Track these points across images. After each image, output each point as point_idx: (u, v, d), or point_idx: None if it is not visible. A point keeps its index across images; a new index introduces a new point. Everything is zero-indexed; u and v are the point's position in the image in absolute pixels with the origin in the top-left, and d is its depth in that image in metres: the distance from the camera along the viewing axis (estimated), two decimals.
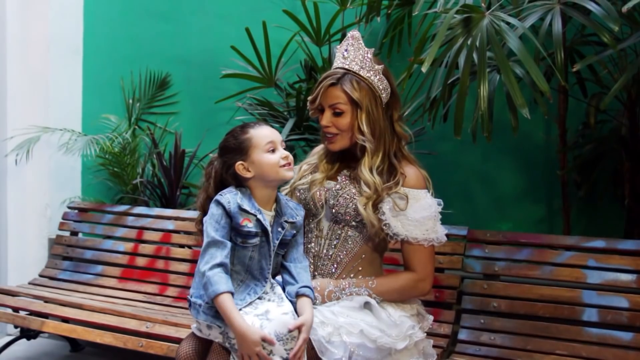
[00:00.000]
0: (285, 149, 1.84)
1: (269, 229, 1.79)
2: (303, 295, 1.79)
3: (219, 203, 1.77)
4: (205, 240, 1.75)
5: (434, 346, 2.07)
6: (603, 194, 2.72)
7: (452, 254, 2.51)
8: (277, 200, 1.86)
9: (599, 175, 2.70)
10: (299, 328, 1.69)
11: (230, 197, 1.78)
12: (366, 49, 1.93)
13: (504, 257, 2.45)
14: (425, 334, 1.98)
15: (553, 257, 2.36)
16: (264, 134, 1.80)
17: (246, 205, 1.77)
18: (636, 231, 2.49)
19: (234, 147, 1.81)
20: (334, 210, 1.93)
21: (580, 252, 2.34)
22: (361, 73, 1.90)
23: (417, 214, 1.89)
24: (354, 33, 1.94)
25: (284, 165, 1.80)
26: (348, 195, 1.92)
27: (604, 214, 2.76)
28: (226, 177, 1.84)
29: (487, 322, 2.38)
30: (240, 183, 1.83)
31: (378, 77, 1.92)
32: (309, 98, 1.97)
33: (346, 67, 1.91)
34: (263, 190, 1.82)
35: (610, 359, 2.17)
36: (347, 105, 1.90)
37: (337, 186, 1.95)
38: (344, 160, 2.01)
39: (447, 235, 2.48)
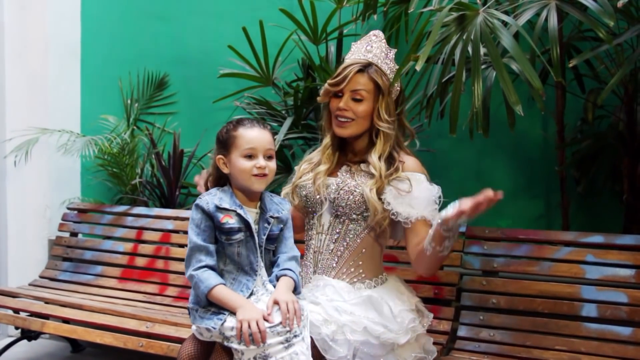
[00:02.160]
0: (269, 157, 1.84)
1: (251, 221, 1.82)
2: (282, 276, 1.83)
3: (197, 206, 1.81)
4: (189, 245, 1.80)
5: (433, 343, 2.08)
6: (601, 190, 2.72)
7: (451, 251, 2.50)
8: (261, 198, 1.89)
9: (597, 171, 2.70)
10: (275, 303, 1.72)
11: (208, 198, 1.82)
12: (389, 48, 2.05)
13: (503, 253, 2.45)
14: (426, 329, 1.99)
15: (552, 252, 2.36)
16: (248, 138, 1.82)
17: (225, 204, 1.81)
18: (635, 226, 2.49)
19: (221, 140, 1.86)
20: (335, 204, 1.97)
21: (578, 247, 2.34)
22: (383, 67, 2.00)
23: (422, 193, 1.94)
24: (377, 32, 2.07)
25: (255, 175, 1.82)
26: (348, 188, 1.96)
27: (602, 210, 2.76)
28: (214, 164, 1.90)
29: (486, 319, 2.38)
30: (225, 176, 1.89)
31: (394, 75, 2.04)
32: (330, 81, 2.01)
33: (369, 59, 2.00)
34: (241, 188, 1.87)
35: (609, 354, 2.17)
36: (369, 93, 1.98)
37: (338, 180, 2.00)
38: (343, 156, 2.07)
39: None
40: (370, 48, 2.02)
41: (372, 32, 2.06)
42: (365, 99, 1.98)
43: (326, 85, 2.02)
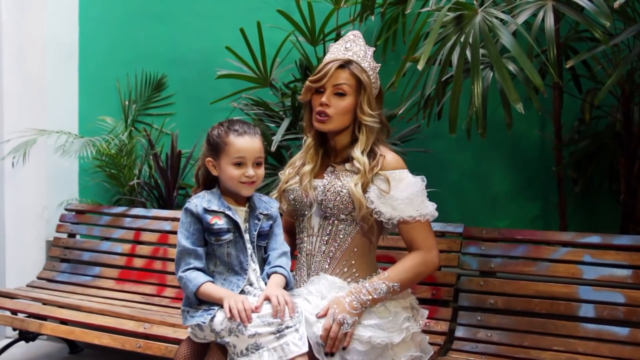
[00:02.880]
0: (258, 164, 1.86)
1: (240, 221, 1.84)
2: (273, 272, 1.85)
3: (186, 209, 1.84)
4: (177, 248, 1.82)
5: (431, 344, 2.08)
6: (599, 190, 2.72)
7: (449, 252, 2.51)
8: (249, 197, 1.92)
9: (594, 171, 2.70)
10: (267, 299, 1.73)
11: (197, 201, 1.85)
12: (368, 46, 2.03)
13: (500, 254, 2.45)
14: (421, 327, 1.99)
15: (549, 253, 2.37)
16: (238, 147, 1.83)
17: (214, 206, 1.83)
18: (632, 226, 2.50)
19: (212, 143, 1.87)
20: (323, 206, 1.97)
21: (576, 248, 2.34)
22: (363, 64, 1.99)
23: (403, 192, 1.93)
24: (355, 32, 2.04)
25: (244, 182, 1.84)
26: (335, 189, 1.96)
27: (599, 210, 2.76)
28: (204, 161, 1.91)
29: (483, 319, 2.38)
30: (213, 176, 1.90)
31: (375, 73, 2.02)
32: (311, 78, 2.00)
33: (349, 57, 1.99)
34: (230, 191, 1.89)
35: (606, 354, 2.17)
36: (351, 88, 1.97)
37: (325, 182, 2.00)
38: (327, 157, 2.07)
39: (443, 233, 2.48)
40: (350, 47, 2.01)
41: (350, 33, 2.05)
42: (348, 93, 1.97)
43: (307, 82, 2.01)
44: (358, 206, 1.92)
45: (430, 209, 1.96)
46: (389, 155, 2.00)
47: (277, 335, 1.68)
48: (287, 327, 1.69)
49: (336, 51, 2.02)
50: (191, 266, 1.79)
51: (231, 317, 1.68)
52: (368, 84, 1.97)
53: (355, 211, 1.94)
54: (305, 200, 2.00)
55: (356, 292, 1.87)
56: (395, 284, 1.90)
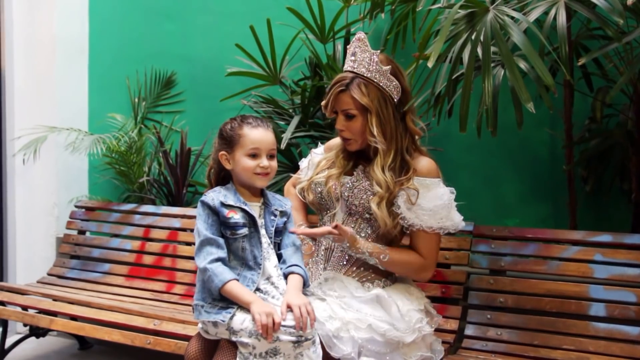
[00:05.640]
0: (271, 156, 1.87)
1: (256, 215, 1.85)
2: (290, 273, 1.85)
3: (203, 202, 1.85)
4: (198, 239, 1.83)
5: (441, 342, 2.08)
6: (610, 189, 2.71)
7: (459, 250, 2.51)
8: (263, 194, 1.93)
9: (605, 170, 2.69)
10: (288, 307, 1.73)
11: (213, 195, 1.86)
12: (372, 50, 1.97)
13: (510, 252, 2.45)
14: (433, 329, 1.99)
15: (559, 252, 2.36)
16: (253, 138, 1.85)
17: (230, 200, 1.85)
18: None
19: (225, 137, 1.89)
20: (348, 202, 1.97)
21: (586, 246, 2.33)
22: (369, 76, 1.94)
23: (430, 203, 1.92)
24: (360, 35, 1.98)
25: (258, 174, 1.85)
26: (363, 187, 1.96)
27: (610, 209, 2.75)
28: (215, 158, 1.92)
29: (493, 318, 2.38)
30: (226, 171, 1.91)
31: (386, 77, 1.96)
32: (322, 103, 2.03)
33: (355, 70, 1.96)
34: (244, 185, 1.90)
35: (617, 353, 2.16)
36: (358, 110, 1.95)
37: (353, 179, 2.00)
38: (361, 156, 2.06)
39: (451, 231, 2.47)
40: (355, 56, 1.96)
41: (356, 36, 1.99)
42: (357, 115, 1.96)
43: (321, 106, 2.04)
44: (382, 224, 1.92)
45: (454, 221, 1.96)
46: (422, 163, 1.99)
47: (296, 345, 1.69)
48: (306, 339, 1.70)
49: (346, 61, 2.00)
50: (215, 256, 1.78)
51: (259, 327, 1.68)
52: (372, 104, 1.93)
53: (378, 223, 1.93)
54: (332, 196, 2.01)
55: (357, 248, 1.93)
56: (386, 256, 1.92)
